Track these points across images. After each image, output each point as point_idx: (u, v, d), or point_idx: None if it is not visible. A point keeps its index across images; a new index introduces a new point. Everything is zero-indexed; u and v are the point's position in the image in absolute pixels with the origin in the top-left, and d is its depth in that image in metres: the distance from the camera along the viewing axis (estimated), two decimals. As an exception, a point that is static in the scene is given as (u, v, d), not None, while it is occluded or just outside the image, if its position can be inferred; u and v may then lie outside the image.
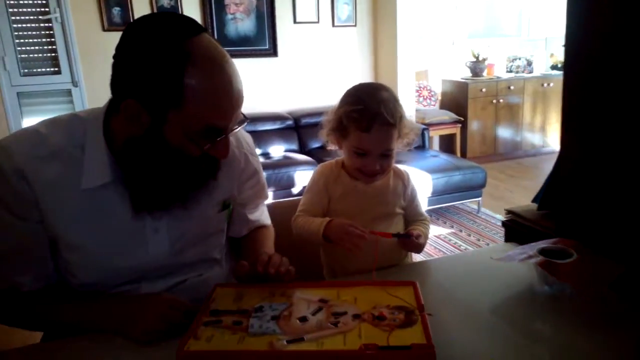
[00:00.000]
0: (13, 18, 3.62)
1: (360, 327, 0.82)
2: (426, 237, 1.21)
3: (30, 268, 0.95)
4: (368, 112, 1.10)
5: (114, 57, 0.86)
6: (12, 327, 0.99)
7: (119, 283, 0.99)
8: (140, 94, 0.83)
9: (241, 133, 1.14)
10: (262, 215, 1.26)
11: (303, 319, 0.85)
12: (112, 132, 0.92)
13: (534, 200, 1.34)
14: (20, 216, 0.90)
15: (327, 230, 1.11)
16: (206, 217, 1.06)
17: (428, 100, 5.14)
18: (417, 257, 1.69)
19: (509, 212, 1.38)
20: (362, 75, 4.72)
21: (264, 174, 1.23)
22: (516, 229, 1.33)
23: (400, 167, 1.28)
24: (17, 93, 3.76)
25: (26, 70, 3.74)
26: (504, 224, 1.39)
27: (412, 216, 1.27)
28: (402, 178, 1.25)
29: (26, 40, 3.70)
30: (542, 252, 1.00)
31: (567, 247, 1.01)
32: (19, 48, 3.68)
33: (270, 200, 4.18)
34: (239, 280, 1.01)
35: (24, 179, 0.88)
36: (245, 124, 0.96)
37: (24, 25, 3.67)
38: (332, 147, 1.23)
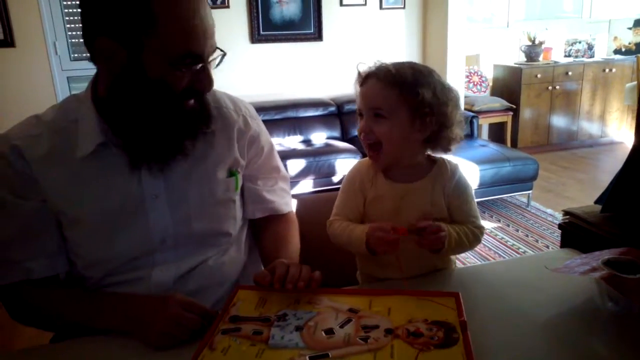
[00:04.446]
0: (65, 3, 3.67)
1: (393, 344, 0.73)
2: (456, 240, 0.99)
3: (39, 251, 0.94)
4: (370, 68, 0.99)
5: (79, 4, 0.85)
6: (26, 325, 0.96)
7: (125, 262, 0.95)
8: (110, 28, 0.82)
9: (239, 99, 1.13)
10: (281, 200, 1.16)
11: (329, 332, 0.76)
12: (98, 91, 0.92)
13: (597, 201, 1.19)
14: (24, 197, 0.92)
15: (369, 242, 0.96)
16: (209, 181, 1.01)
17: (478, 87, 4.91)
18: (462, 264, 1.55)
19: (567, 213, 1.24)
20: (409, 60, 4.52)
21: (273, 143, 1.17)
22: (575, 232, 1.19)
23: (449, 158, 1.09)
24: (67, 77, 3.83)
25: (76, 55, 3.81)
26: (560, 226, 1.25)
27: (458, 217, 1.05)
28: (444, 171, 1.05)
29: (77, 25, 3.75)
30: (607, 263, 0.87)
31: (637, 259, 0.88)
32: (69, 33, 3.74)
33: (309, 187, 4.09)
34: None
35: (21, 156, 0.90)
36: (222, 56, 0.92)
37: (74, 10, 3.72)
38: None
